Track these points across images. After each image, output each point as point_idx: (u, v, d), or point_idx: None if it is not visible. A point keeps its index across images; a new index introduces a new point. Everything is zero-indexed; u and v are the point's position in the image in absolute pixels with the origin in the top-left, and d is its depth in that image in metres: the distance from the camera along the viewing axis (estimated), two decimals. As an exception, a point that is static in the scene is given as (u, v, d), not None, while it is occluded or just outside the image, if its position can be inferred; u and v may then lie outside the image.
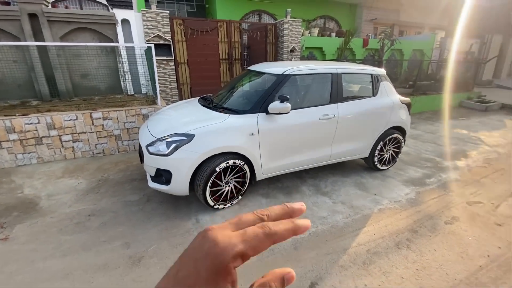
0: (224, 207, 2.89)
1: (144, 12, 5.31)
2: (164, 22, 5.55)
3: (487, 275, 2.11)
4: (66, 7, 5.81)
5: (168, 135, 2.67)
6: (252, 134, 2.78)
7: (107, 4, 7.31)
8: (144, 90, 5.82)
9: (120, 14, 5.38)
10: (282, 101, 2.74)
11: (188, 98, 6.11)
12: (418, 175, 3.84)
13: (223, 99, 3.39)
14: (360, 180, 3.65)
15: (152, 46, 4.39)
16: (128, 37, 5.58)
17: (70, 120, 4.01)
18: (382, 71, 3.74)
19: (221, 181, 2.78)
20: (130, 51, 5.52)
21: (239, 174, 2.87)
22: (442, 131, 6.21)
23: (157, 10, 5.42)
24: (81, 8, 7.48)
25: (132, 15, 5.49)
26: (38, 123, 3.82)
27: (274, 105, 2.74)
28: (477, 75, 10.38)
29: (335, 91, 3.28)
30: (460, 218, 2.84)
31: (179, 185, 2.66)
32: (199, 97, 3.74)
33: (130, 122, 4.41)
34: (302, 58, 7.85)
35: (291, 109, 2.80)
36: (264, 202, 3.08)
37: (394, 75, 8.87)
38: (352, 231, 2.62)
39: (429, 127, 6.53)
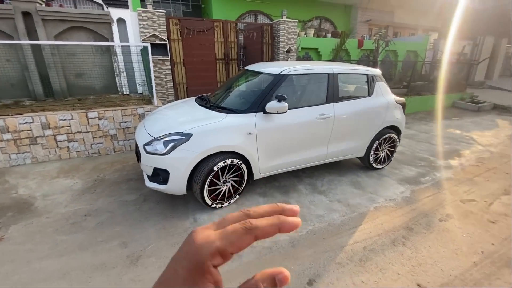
0: (221, 206, 2.90)
1: (140, 11, 5.29)
2: (160, 21, 5.53)
3: (481, 271, 2.15)
4: (61, 6, 5.74)
5: (165, 134, 2.66)
6: (250, 133, 2.79)
7: (102, 3, 7.25)
8: (140, 89, 5.79)
9: (115, 13, 5.34)
10: (279, 101, 2.76)
11: (184, 98, 6.09)
12: (413, 174, 3.89)
13: (220, 99, 3.40)
14: (356, 179, 3.69)
15: (149, 45, 4.38)
16: (124, 37, 5.55)
17: (65, 119, 3.97)
18: (377, 71, 3.79)
19: (219, 180, 2.79)
20: (126, 50, 5.48)
21: (236, 173, 2.88)
22: (435, 131, 6.30)
23: (153, 10, 5.40)
24: (75, 7, 7.40)
25: (128, 15, 5.46)
26: (33, 122, 3.78)
27: (272, 105, 2.76)
28: (469, 76, 10.56)
29: (332, 91, 3.31)
30: (454, 216, 2.89)
31: (177, 184, 2.65)
32: (195, 97, 3.74)
33: (126, 121, 4.39)
34: (298, 58, 7.89)
35: (288, 109, 2.82)
36: (262, 201, 3.09)
37: (389, 75, 8.97)
38: (348, 229, 2.64)
39: (423, 127, 6.62)
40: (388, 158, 3.99)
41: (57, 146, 4.03)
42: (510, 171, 4.06)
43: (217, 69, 6.69)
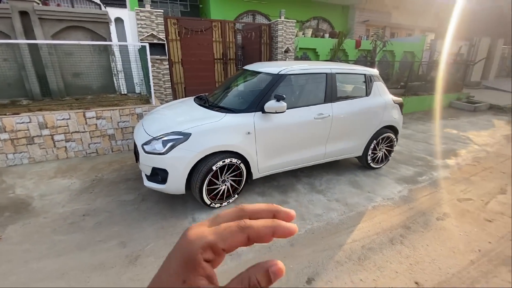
0: (220, 206, 2.90)
1: (138, 11, 5.28)
2: (158, 21, 5.52)
3: (478, 269, 2.17)
4: (58, 5, 5.71)
5: (164, 134, 2.66)
6: (249, 133, 2.80)
7: (100, 3, 7.22)
8: (137, 89, 5.77)
9: (113, 12, 5.33)
10: (278, 100, 2.77)
11: (182, 97, 6.10)
12: (410, 173, 3.92)
13: (219, 98, 3.40)
14: (354, 178, 3.70)
15: (147, 45, 4.37)
16: (122, 36, 5.53)
17: (62, 119, 3.95)
18: (375, 71, 3.81)
19: (218, 180, 2.79)
20: (124, 50, 5.47)
21: (235, 173, 2.89)
22: (432, 130, 6.34)
23: (151, 9, 5.39)
24: (72, 6, 7.37)
25: (125, 14, 5.45)
26: (30, 122, 3.76)
27: (270, 104, 2.76)
28: (466, 76, 10.64)
29: (330, 90, 3.32)
30: (451, 215, 2.91)
31: (176, 184, 2.65)
32: (194, 96, 3.74)
33: (124, 121, 4.38)
34: (296, 58, 7.91)
35: (287, 109, 2.83)
36: (260, 200, 3.10)
37: (386, 76, 9.02)
38: (347, 228, 2.66)
39: (420, 126, 6.66)
40: (385, 158, 4.01)
41: (55, 146, 4.01)
42: (506, 171, 4.10)
43: (215, 69, 6.68)
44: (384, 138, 3.82)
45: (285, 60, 7.07)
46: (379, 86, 3.76)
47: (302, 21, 10.77)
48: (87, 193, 3.20)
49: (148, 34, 5.42)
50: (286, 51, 7.05)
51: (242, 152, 2.80)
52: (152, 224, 2.66)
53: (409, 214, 2.91)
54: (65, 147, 4.08)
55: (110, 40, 5.34)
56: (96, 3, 6.92)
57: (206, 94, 3.82)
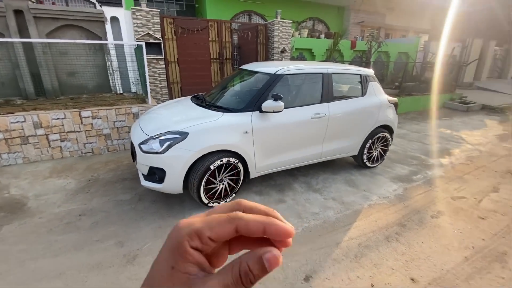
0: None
1: (134, 10, 5.25)
2: (154, 20, 5.50)
3: (472, 266, 2.21)
4: (53, 4, 5.65)
5: (161, 133, 2.66)
6: (246, 132, 2.81)
7: (94, 2, 7.16)
8: (133, 89, 5.74)
9: (109, 11, 5.29)
10: (275, 100, 2.78)
11: (179, 97, 6.07)
12: (405, 172, 3.97)
13: (216, 98, 3.41)
14: (350, 177, 3.74)
15: (143, 44, 4.35)
16: (118, 35, 5.50)
17: (57, 118, 3.92)
18: (370, 71, 3.86)
19: (215, 179, 2.80)
20: (119, 49, 5.43)
21: (233, 172, 2.90)
22: (427, 130, 6.43)
23: (147, 9, 5.37)
24: (67, 5, 7.30)
25: (121, 13, 5.42)
26: (24, 121, 3.71)
27: (268, 104, 2.78)
28: (458, 77, 10.80)
29: (326, 90, 3.36)
30: (445, 212, 2.97)
31: (173, 183, 2.65)
32: (191, 96, 3.74)
33: (120, 121, 4.35)
34: (292, 58, 7.94)
35: (284, 108, 2.85)
36: (258, 200, 3.11)
37: (381, 76, 9.11)
38: (343, 226, 2.69)
39: (414, 126, 6.75)
40: (381, 157, 4.06)
41: (50, 146, 3.97)
42: (499, 169, 4.18)
43: (212, 69, 6.68)
44: (380, 137, 3.87)
45: (282, 60, 7.10)
46: (375, 86, 3.81)
47: (298, 21, 10.81)
48: (83, 193, 3.18)
49: (144, 33, 5.40)
50: (282, 51, 7.07)
51: (239, 151, 2.81)
52: (149, 223, 2.65)
53: (404, 212, 2.95)
54: (60, 146, 4.04)
55: (106, 39, 5.30)
56: (91, 2, 6.86)
57: (203, 93, 3.82)
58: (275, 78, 3.03)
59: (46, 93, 4.90)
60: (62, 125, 3.97)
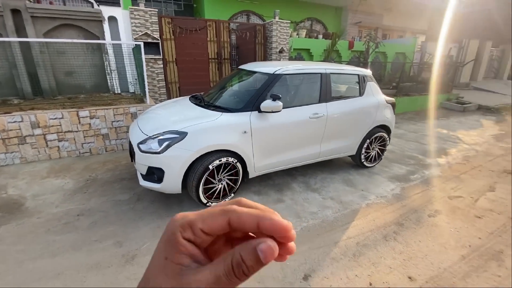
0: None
1: (132, 9, 5.24)
2: (153, 20, 5.49)
3: (469, 264, 2.24)
4: (51, 3, 5.62)
5: (160, 133, 2.66)
6: (245, 132, 2.81)
7: (92, 1, 7.14)
8: (131, 88, 5.73)
9: (107, 11, 5.28)
10: (274, 100, 2.79)
11: (177, 97, 6.07)
12: (403, 172, 4.00)
13: (215, 98, 3.41)
14: (348, 177, 3.76)
15: (141, 44, 4.35)
16: (115, 35, 5.48)
17: (55, 118, 3.90)
18: (368, 71, 3.88)
19: (214, 179, 2.80)
20: (117, 49, 5.42)
21: (231, 172, 2.90)
22: (424, 130, 6.48)
23: (145, 8, 5.36)
24: (64, 4, 7.26)
25: (119, 13, 5.40)
26: (22, 121, 3.69)
27: (267, 104, 2.79)
28: (455, 77, 10.88)
29: (324, 90, 3.37)
30: (442, 211, 2.99)
31: (172, 183, 2.65)
32: (189, 96, 3.74)
33: (118, 121, 4.34)
34: (290, 58, 7.96)
35: (283, 108, 2.86)
36: (256, 199, 3.11)
37: (379, 76, 9.16)
38: (342, 225, 2.70)
39: (411, 126, 6.79)
40: (378, 157, 4.08)
41: (47, 146, 3.95)
42: (495, 169, 4.22)
43: (210, 69, 6.68)
44: (377, 137, 3.89)
45: (280, 60, 7.11)
46: (372, 86, 3.83)
47: (296, 21, 10.83)
48: (81, 193, 3.17)
49: (142, 33, 5.39)
50: (280, 51, 7.09)
51: (238, 151, 2.81)
52: (148, 223, 2.65)
53: (402, 211, 2.97)
54: (58, 146, 4.02)
55: (104, 39, 5.28)
56: (88, 1, 6.83)
57: (202, 93, 3.82)
58: (273, 78, 3.04)
59: (43, 93, 4.87)
60: (60, 125, 3.95)
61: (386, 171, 4.00)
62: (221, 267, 0.24)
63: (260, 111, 2.85)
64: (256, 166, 3.02)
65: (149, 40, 5.47)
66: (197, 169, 2.65)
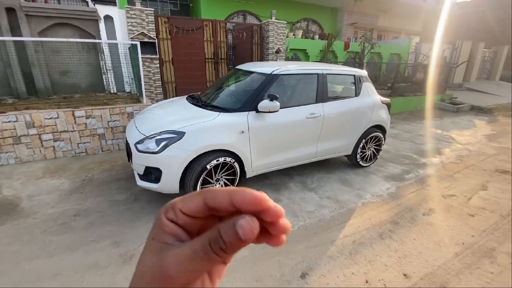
0: (214, 204, 2.91)
1: (128, 9, 5.21)
2: (149, 19, 5.47)
3: (462, 261, 2.28)
4: (46, 2, 5.57)
5: (157, 133, 2.66)
6: (243, 132, 2.83)
7: (87, 0, 7.07)
8: (127, 88, 5.70)
9: (103, 10, 5.24)
10: (271, 100, 2.81)
11: (173, 97, 6.05)
12: (398, 171, 4.05)
13: (212, 98, 3.42)
14: (344, 176, 3.80)
15: (138, 43, 4.33)
16: (111, 34, 5.45)
17: (50, 118, 3.87)
18: (364, 72, 3.92)
19: (212, 179, 2.81)
20: (113, 48, 5.38)
21: (229, 172, 2.91)
22: (418, 130, 6.56)
23: (142, 8, 5.34)
24: (59, 3, 7.19)
25: (115, 12, 5.37)
26: (16, 121, 3.66)
27: (264, 104, 2.81)
28: (449, 78, 11.02)
29: (321, 91, 3.40)
30: (436, 210, 3.04)
31: (169, 183, 2.65)
32: (186, 96, 3.74)
33: (115, 120, 4.32)
34: (287, 59, 7.99)
35: (280, 108, 2.88)
36: (254, 199, 3.13)
37: (374, 77, 9.23)
38: (338, 224, 2.73)
39: (406, 126, 6.87)
40: (374, 156, 4.13)
41: (42, 146, 3.91)
42: (487, 168, 4.30)
43: (207, 69, 6.68)
44: (373, 137, 3.94)
45: (277, 60, 7.14)
46: (368, 87, 3.87)
47: (292, 22, 10.87)
48: (77, 193, 3.15)
49: (139, 32, 5.37)
50: (277, 52, 7.12)
51: (236, 151, 2.83)
52: (145, 223, 2.65)
53: (397, 210, 3.02)
54: (53, 146, 3.99)
55: (99, 38, 5.25)
56: (83, 0, 6.78)
57: (199, 93, 3.82)
58: (271, 78, 3.06)
59: (38, 92, 4.83)
60: (55, 125, 3.92)
61: (382, 171, 4.05)
62: (199, 242, 0.25)
63: (257, 111, 2.87)
64: (254, 166, 3.04)
65: (146, 40, 5.45)
66: (194, 169, 2.66)
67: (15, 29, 4.50)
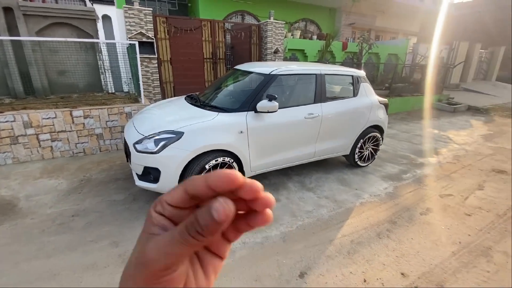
0: (213, 204, 2.92)
1: (127, 8, 5.20)
2: (147, 19, 5.46)
3: (459, 260, 2.31)
4: (43, 1, 5.54)
5: (156, 133, 2.66)
6: (241, 132, 2.84)
7: (85, -1, 7.04)
8: (125, 88, 5.69)
9: (100, 9, 5.23)
10: (270, 100, 2.82)
11: (171, 97, 6.05)
12: (395, 171, 4.08)
13: (211, 98, 3.43)
14: (342, 176, 3.82)
15: (136, 43, 4.33)
16: (109, 34, 5.43)
17: (48, 118, 3.85)
18: (362, 73, 3.94)
19: (210, 178, 2.81)
20: (111, 48, 5.37)
21: (227, 171, 2.91)
22: (415, 130, 6.60)
23: (140, 7, 5.33)
24: (56, 2, 7.16)
25: (113, 11, 5.35)
26: (14, 121, 3.64)
27: (263, 104, 2.82)
28: (446, 79, 11.10)
29: (319, 91, 3.42)
30: (433, 209, 3.07)
31: (168, 183, 2.65)
32: (185, 96, 3.74)
33: (113, 120, 4.31)
34: (285, 59, 8.01)
35: (278, 108, 2.89)
36: (252, 199, 3.14)
37: (372, 77, 9.29)
38: (336, 223, 2.75)
39: (404, 126, 6.91)
40: (372, 156, 4.15)
41: (40, 146, 3.90)
42: (484, 168, 4.33)
43: (205, 69, 6.67)
44: (371, 137, 3.96)
45: (275, 60, 7.15)
46: (366, 87, 3.89)
47: (290, 22, 10.89)
48: (75, 193, 3.14)
49: (137, 32, 5.36)
50: (275, 52, 7.13)
51: (234, 151, 2.83)
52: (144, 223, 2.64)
53: (395, 209, 3.04)
54: (51, 146, 3.98)
55: (97, 38, 5.24)
56: (81, 0, 6.75)
57: (197, 93, 3.83)
58: (269, 79, 3.07)
59: (35, 92, 4.80)
60: (53, 125, 3.91)
61: (379, 171, 4.07)
62: (179, 227, 0.25)
63: (256, 111, 2.88)
64: (252, 166, 3.04)
65: (144, 40, 5.45)
66: (193, 169, 2.66)
67: (12, 29, 4.47)
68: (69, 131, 4.04)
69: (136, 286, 0.26)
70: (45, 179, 3.43)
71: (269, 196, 0.27)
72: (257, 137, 2.95)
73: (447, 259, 2.31)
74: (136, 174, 2.78)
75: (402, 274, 2.14)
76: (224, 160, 2.80)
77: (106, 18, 5.34)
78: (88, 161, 4.01)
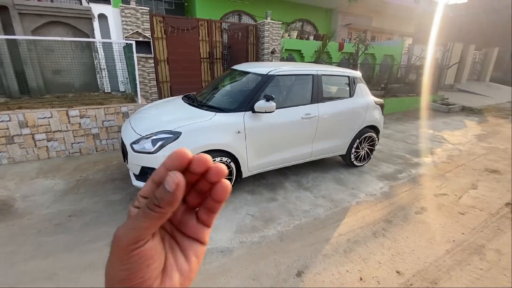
0: (210, 204, 2.93)
1: (123, 7, 5.18)
2: (144, 18, 5.44)
3: (453, 258, 2.35)
4: (39, 0, 5.49)
5: (153, 133, 2.66)
6: (239, 132, 2.85)
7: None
8: (122, 88, 5.67)
9: (97, 8, 5.20)
10: (267, 100, 2.84)
11: (168, 96, 6.04)
12: (391, 171, 4.13)
13: (208, 98, 3.43)
14: (338, 176, 3.85)
15: (133, 43, 4.31)
16: (106, 33, 5.40)
17: (44, 118, 3.83)
18: (358, 73, 3.98)
19: (208, 178, 2.82)
20: (108, 47, 5.35)
21: (225, 171, 2.93)
22: (411, 130, 6.67)
23: (136, 6, 5.31)
24: (51, 1, 7.10)
25: (109, 10, 5.33)
26: (9, 120, 3.61)
27: (260, 104, 2.83)
28: (440, 79, 11.22)
29: (316, 91, 3.45)
30: (428, 209, 3.12)
31: (166, 182, 2.65)
32: (182, 96, 3.74)
33: (109, 120, 4.29)
34: (282, 59, 8.03)
35: (276, 108, 2.91)
36: (250, 199, 3.16)
37: (368, 78, 9.34)
38: (333, 222, 2.78)
39: (399, 126, 6.98)
40: (368, 156, 4.19)
41: (36, 146, 3.87)
42: (477, 167, 4.40)
43: (202, 68, 6.67)
44: (366, 137, 4.00)
45: (272, 61, 7.17)
46: (362, 88, 3.93)
47: (287, 22, 10.93)
48: (72, 193, 3.13)
49: (133, 31, 5.33)
50: (272, 52, 7.15)
51: (232, 151, 2.85)
52: (142, 223, 2.65)
53: (390, 208, 3.08)
54: (47, 146, 3.95)
55: (93, 37, 5.21)
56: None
57: (194, 93, 3.83)
58: (267, 79, 3.09)
59: (31, 92, 4.77)
60: (49, 125, 3.88)
61: (375, 170, 4.12)
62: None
63: (253, 111, 2.89)
64: (250, 166, 3.06)
65: (140, 39, 5.42)
66: (191, 169, 2.66)
67: (7, 28, 4.43)
68: (65, 131, 4.01)
69: (112, 267, 0.29)
70: (41, 179, 3.41)
71: (219, 165, 0.31)
72: (254, 137, 2.97)
73: (441, 257, 2.36)
74: (133, 174, 2.78)
75: (397, 272, 2.17)
76: (221, 160, 2.81)
77: (102, 17, 5.32)
78: (84, 161, 3.99)
